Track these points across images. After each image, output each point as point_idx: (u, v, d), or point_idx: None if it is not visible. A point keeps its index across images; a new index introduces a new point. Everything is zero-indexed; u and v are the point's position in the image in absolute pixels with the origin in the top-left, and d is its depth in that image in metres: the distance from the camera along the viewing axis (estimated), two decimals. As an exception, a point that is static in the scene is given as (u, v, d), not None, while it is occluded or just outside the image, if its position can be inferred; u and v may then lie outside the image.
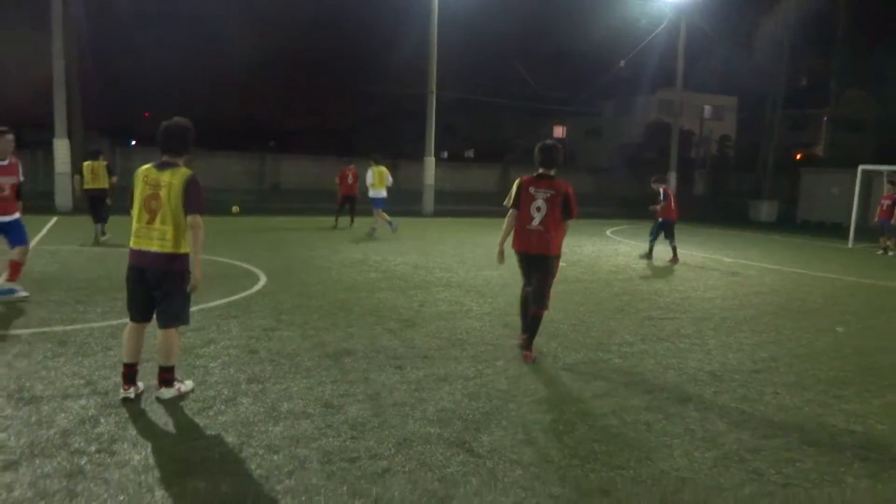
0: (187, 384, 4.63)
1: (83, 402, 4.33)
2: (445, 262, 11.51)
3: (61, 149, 17.98)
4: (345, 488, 3.36)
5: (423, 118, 24.38)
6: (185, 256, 4.32)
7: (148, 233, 4.27)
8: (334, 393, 4.71)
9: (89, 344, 5.62)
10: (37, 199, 20.28)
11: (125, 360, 4.44)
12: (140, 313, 4.47)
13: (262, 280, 8.98)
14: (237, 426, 4.07)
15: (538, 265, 5.71)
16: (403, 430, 4.12)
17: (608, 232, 19.26)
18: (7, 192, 7.22)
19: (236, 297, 7.84)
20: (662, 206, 12.80)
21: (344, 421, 4.21)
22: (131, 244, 4.36)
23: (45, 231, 13.76)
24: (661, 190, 12.88)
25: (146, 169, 4.33)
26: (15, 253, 7.26)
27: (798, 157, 40.62)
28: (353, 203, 16.66)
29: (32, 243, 11.71)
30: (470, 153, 54.67)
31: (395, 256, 11.89)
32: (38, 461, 3.48)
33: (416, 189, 24.04)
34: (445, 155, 42.80)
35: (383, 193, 15.47)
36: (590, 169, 36.13)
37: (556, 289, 9.15)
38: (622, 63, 48.21)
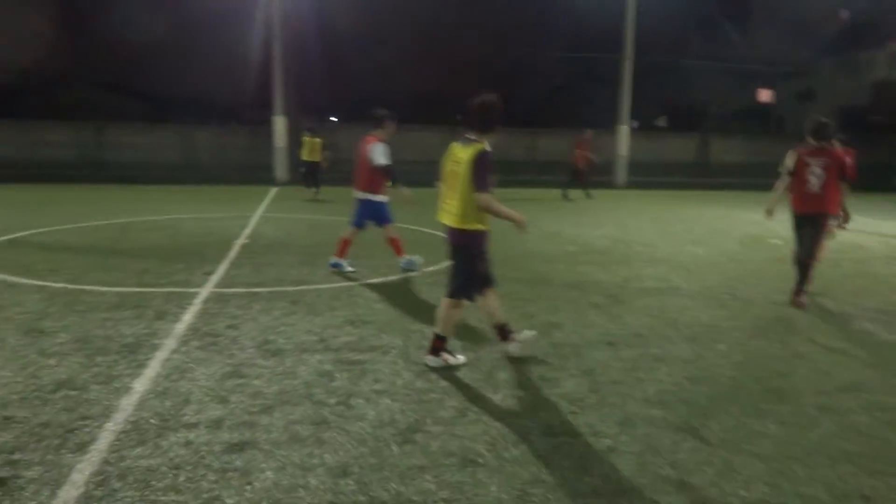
0: (458, 358, 4.62)
1: (318, 356, 4.70)
2: (645, 237, 11.01)
3: (279, 125, 19.77)
4: (569, 463, 3.31)
5: (610, 85, 23.45)
6: (474, 233, 4.35)
7: (445, 207, 4.47)
8: (548, 366, 4.68)
9: (316, 304, 6.11)
10: (259, 171, 22.62)
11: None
12: None
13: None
14: (458, 391, 4.18)
15: (812, 222, 6.53)
16: (623, 409, 3.98)
17: (827, 206, 17.25)
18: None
19: (441, 265, 8.09)
20: None
21: (562, 395, 4.16)
22: (439, 217, 4.58)
23: (267, 200, 15.27)
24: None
25: (454, 145, 4.46)
26: (349, 232, 7.47)
27: None
28: (580, 174, 17.63)
29: (258, 212, 13.09)
30: (661, 121, 51.76)
31: (591, 229, 11.60)
32: (287, 408, 3.83)
33: (605, 159, 23.27)
34: (635, 124, 40.93)
35: None
36: (803, 136, 32.53)
37: (775, 268, 8.41)
38: (842, 14, 42.55)
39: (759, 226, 12.99)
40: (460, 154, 4.32)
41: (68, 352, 4.59)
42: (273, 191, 17.54)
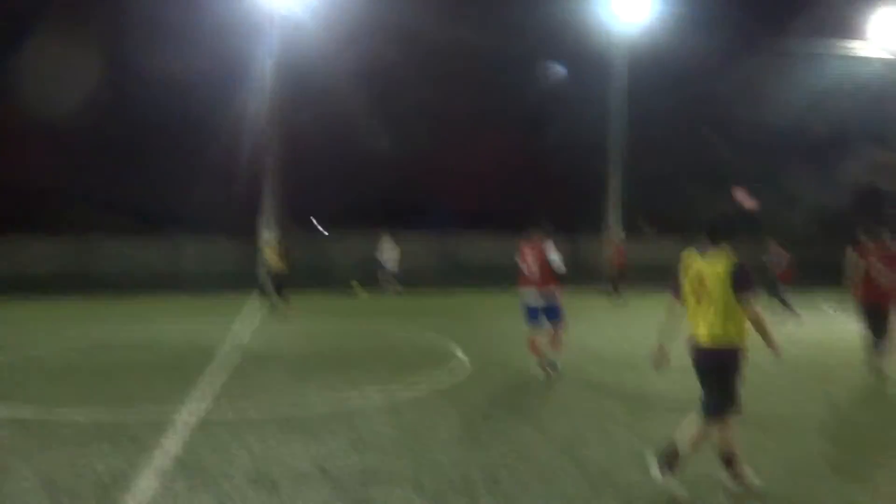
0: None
1: (319, 489, 4.15)
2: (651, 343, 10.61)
3: (267, 234, 19.62)
4: None
5: (596, 193, 23.91)
6: (734, 350, 4.11)
7: (695, 324, 4.21)
8: (577, 494, 4.15)
9: (314, 426, 5.57)
10: (246, 280, 22.23)
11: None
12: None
13: (467, 360, 8.72)
14: (483, 531, 3.63)
15: None
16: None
17: (825, 306, 17.06)
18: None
19: (446, 378, 7.60)
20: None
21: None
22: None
23: (254, 310, 14.79)
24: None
25: (690, 257, 4.29)
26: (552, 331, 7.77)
27: None
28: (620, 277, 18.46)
29: (246, 322, 12.58)
30: (644, 224, 52.69)
31: (591, 337, 11.21)
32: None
33: (593, 265, 23.20)
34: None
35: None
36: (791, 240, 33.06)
37: (791, 376, 7.98)
38: (816, 128, 44.61)
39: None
40: (708, 268, 4.16)
41: (32, 497, 4.00)
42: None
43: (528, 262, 7.73)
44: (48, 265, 24.39)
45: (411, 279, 20.77)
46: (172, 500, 3.96)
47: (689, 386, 7.23)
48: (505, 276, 19.10)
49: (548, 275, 7.62)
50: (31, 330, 11.60)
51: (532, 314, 7.70)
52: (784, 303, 13.76)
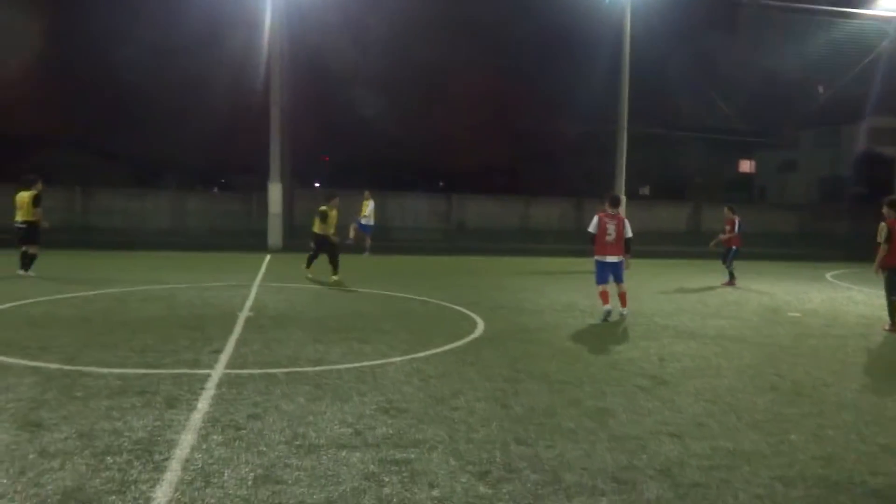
0: None
1: (359, 454, 4.14)
2: (663, 309, 10.64)
3: (275, 192, 19.44)
4: None
5: (592, 155, 23.80)
6: None
7: None
8: (615, 464, 4.16)
9: (342, 387, 5.57)
10: (251, 237, 22.17)
11: None
12: None
13: (480, 324, 8.74)
14: (526, 498, 3.65)
15: None
16: (720, 519, 3.47)
17: (828, 276, 17.14)
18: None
19: (462, 341, 7.62)
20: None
21: (646, 501, 3.65)
22: None
23: (263, 268, 14.76)
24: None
25: None
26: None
27: None
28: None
29: (256, 280, 12.55)
30: (645, 190, 52.55)
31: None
32: (337, 523, 3.27)
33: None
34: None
35: (372, 221, 19.37)
36: (790, 206, 32.91)
37: (808, 344, 8.05)
38: (820, 89, 44.08)
39: (769, 296, 12.74)
40: None
41: (73, 450, 3.99)
42: (267, 258, 17.05)
43: (609, 231, 9.21)
44: (49, 216, 23.96)
45: (414, 241, 20.74)
46: (214, 460, 3.94)
47: (699, 352, 7.31)
48: (506, 239, 19.14)
49: (622, 243, 9.33)
50: (36, 281, 11.52)
51: (604, 274, 9.31)
52: (728, 268, 14.51)
